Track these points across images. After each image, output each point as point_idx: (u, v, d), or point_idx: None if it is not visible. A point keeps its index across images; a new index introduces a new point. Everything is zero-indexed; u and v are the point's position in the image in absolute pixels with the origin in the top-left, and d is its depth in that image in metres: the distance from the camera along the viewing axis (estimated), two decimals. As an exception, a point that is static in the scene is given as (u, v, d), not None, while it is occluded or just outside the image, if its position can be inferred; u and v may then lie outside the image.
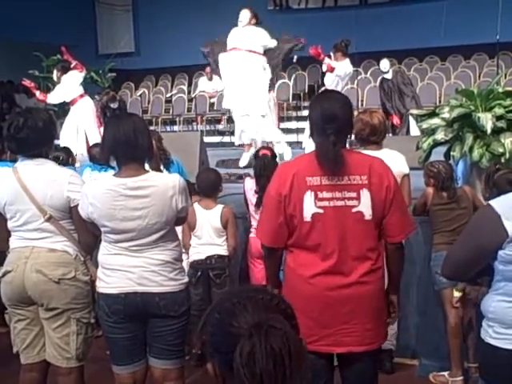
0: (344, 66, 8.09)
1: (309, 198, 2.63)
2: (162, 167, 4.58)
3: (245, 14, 7.71)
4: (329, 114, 2.64)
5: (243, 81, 7.45)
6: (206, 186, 4.51)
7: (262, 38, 7.59)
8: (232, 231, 4.48)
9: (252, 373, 1.28)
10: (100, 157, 5.29)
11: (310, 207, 2.64)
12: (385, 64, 9.49)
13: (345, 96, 2.92)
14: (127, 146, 2.88)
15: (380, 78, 10.17)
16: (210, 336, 1.40)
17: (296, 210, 2.65)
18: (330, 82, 8.20)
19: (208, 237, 4.44)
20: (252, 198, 4.60)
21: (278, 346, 1.29)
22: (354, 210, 2.64)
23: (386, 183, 2.67)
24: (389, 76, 9.56)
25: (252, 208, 4.64)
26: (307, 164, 2.70)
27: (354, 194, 2.64)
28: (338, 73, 8.03)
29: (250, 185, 4.71)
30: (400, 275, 2.91)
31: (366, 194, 2.64)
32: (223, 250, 4.45)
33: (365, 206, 2.64)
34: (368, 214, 2.65)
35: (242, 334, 1.31)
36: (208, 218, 4.43)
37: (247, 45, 7.51)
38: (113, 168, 3.10)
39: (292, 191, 2.65)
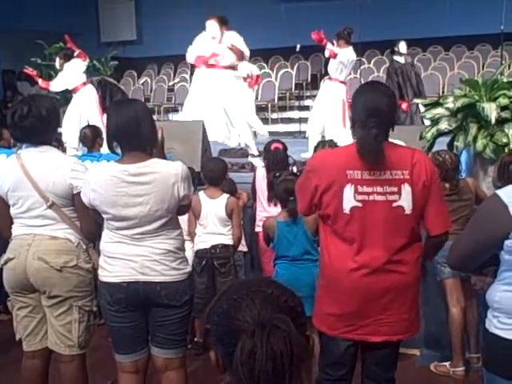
0: (347, 53, 8.03)
1: (348, 191, 2.61)
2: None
3: (213, 27, 7.51)
4: (372, 107, 2.61)
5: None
6: (214, 175, 4.47)
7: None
8: (237, 221, 4.46)
9: (250, 372, 1.26)
10: (87, 140, 5.34)
11: (349, 200, 2.62)
12: (403, 47, 9.43)
13: (388, 87, 2.90)
14: (129, 133, 2.86)
15: (391, 61, 9.88)
16: (215, 325, 1.38)
17: (334, 201, 2.64)
18: (334, 70, 8.16)
19: (213, 226, 4.43)
20: (265, 188, 4.53)
21: (280, 348, 1.26)
22: (394, 204, 2.63)
23: (423, 177, 2.66)
24: (401, 60, 9.41)
25: (263, 199, 4.59)
26: (347, 156, 2.67)
27: (395, 189, 2.62)
28: (341, 59, 7.97)
29: (263, 174, 4.64)
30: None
31: (407, 189, 2.63)
32: (228, 240, 4.44)
33: (405, 200, 2.63)
34: (408, 208, 2.64)
35: (245, 330, 1.29)
36: (213, 208, 4.42)
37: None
38: (116, 155, 3.05)
39: (332, 182, 2.62)
